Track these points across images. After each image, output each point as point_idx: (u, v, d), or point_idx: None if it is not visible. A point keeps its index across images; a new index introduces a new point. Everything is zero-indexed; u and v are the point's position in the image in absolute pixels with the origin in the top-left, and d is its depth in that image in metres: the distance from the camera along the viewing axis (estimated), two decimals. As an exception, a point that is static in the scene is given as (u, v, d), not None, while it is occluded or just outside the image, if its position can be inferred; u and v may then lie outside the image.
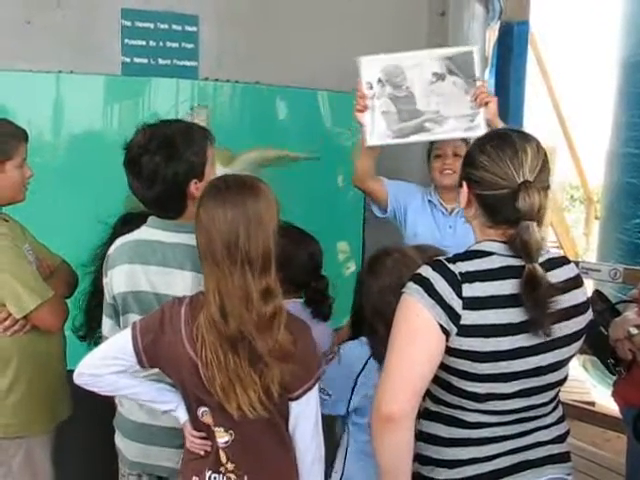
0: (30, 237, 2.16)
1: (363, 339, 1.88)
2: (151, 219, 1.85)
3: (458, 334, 1.39)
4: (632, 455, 2.20)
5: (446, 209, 2.65)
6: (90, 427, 2.30)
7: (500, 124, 2.40)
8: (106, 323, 1.93)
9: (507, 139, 1.46)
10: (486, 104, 2.36)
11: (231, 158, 2.76)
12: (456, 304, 1.39)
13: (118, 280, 1.83)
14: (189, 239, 1.76)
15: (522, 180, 1.39)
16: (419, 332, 1.40)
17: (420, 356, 1.40)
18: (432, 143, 2.62)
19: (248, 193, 1.48)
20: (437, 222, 2.64)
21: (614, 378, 2.27)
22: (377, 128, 2.44)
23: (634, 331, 2.04)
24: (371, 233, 3.08)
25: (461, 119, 2.39)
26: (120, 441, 1.93)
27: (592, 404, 4.38)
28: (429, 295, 1.39)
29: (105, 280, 1.88)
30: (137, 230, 1.87)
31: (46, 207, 2.49)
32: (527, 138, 1.47)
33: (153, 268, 1.79)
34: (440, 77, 2.40)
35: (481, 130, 2.35)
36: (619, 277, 3.30)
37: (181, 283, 1.76)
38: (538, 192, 1.38)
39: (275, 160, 2.87)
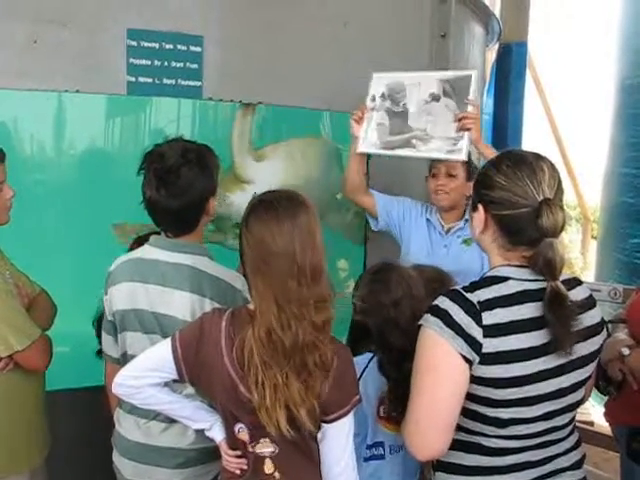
0: (9, 264, 2.00)
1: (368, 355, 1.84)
2: (153, 238, 1.85)
3: (480, 362, 1.36)
4: (626, 474, 2.20)
5: (443, 227, 2.64)
6: (89, 445, 2.28)
7: (487, 149, 2.38)
8: (105, 339, 1.94)
9: (522, 158, 1.43)
10: (468, 129, 2.35)
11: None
12: (476, 333, 1.36)
13: (118, 297, 1.83)
14: (190, 260, 1.79)
15: (543, 198, 1.37)
16: (440, 366, 1.38)
17: (444, 392, 1.37)
18: (432, 161, 2.63)
19: (299, 206, 1.50)
20: (432, 241, 2.64)
21: (606, 398, 2.27)
22: (369, 138, 2.55)
23: (626, 351, 2.04)
24: (373, 252, 3.09)
25: (445, 141, 2.41)
26: (117, 459, 1.92)
27: (591, 424, 4.36)
28: (448, 326, 1.37)
29: (105, 297, 1.89)
30: (139, 248, 1.88)
31: (49, 225, 2.50)
32: (541, 157, 1.45)
33: (152, 287, 1.79)
34: (435, 98, 2.44)
35: (462, 155, 2.36)
36: (619, 297, 3.29)
37: (179, 304, 1.76)
38: (561, 209, 1.37)
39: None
